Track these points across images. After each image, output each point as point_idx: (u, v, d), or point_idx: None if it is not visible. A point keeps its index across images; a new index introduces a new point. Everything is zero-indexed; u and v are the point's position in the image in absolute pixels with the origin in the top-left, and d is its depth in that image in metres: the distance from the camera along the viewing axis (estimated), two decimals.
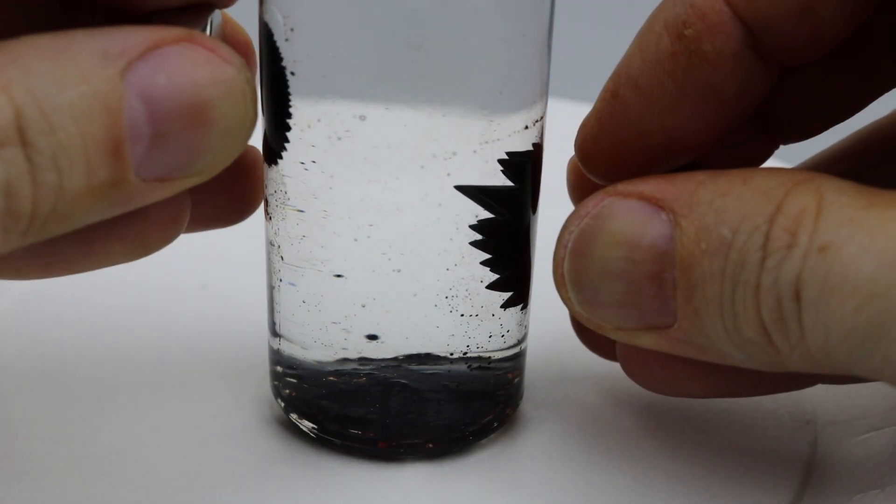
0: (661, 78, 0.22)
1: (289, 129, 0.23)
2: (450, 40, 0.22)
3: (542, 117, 0.24)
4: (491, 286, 0.24)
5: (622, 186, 0.22)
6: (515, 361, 0.26)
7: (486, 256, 0.24)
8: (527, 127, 0.23)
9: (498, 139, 0.23)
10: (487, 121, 0.22)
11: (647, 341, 0.22)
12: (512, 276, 0.24)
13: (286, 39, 0.22)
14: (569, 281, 0.23)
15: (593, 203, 0.22)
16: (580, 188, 0.25)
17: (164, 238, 0.23)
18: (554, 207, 0.31)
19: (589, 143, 0.23)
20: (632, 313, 0.22)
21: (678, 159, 0.23)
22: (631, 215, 0.22)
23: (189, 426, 0.27)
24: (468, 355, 0.25)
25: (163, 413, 0.27)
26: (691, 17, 0.21)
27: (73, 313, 0.31)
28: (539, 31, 0.23)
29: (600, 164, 0.23)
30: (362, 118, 0.22)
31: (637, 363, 0.25)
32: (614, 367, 0.29)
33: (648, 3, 0.23)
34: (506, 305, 0.24)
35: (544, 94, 0.24)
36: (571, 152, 0.25)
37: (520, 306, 0.25)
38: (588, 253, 0.22)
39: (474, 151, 0.23)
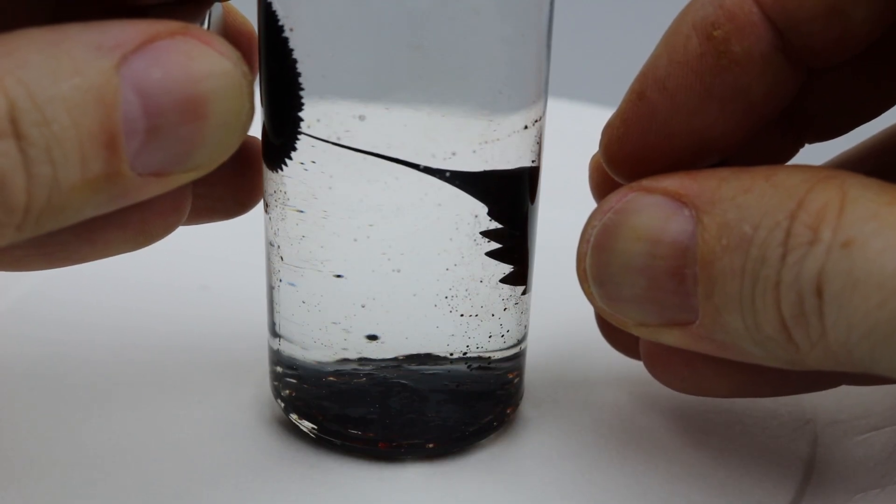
0: (688, 79, 0.22)
1: (300, 121, 0.23)
2: (450, 40, 0.22)
3: (541, 117, 0.24)
4: (491, 254, 0.24)
5: (646, 182, 0.22)
6: (515, 361, 0.26)
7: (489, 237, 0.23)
8: (526, 127, 0.23)
9: (497, 139, 0.23)
10: (487, 121, 0.22)
11: (669, 338, 0.22)
12: (510, 249, 0.24)
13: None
14: (591, 275, 0.23)
15: (617, 198, 0.22)
16: (603, 187, 0.25)
17: (166, 226, 0.23)
18: (554, 209, 0.31)
19: (614, 145, 0.23)
20: (653, 309, 0.22)
21: (705, 160, 0.23)
22: (654, 211, 0.22)
23: (189, 426, 0.27)
24: (468, 355, 0.25)
25: (163, 413, 0.27)
26: (720, 17, 0.21)
27: (72, 314, 0.31)
28: (539, 31, 0.23)
29: (626, 165, 0.23)
30: (362, 118, 0.22)
31: (660, 362, 0.25)
32: (614, 367, 0.29)
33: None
34: (505, 281, 0.24)
35: (544, 93, 0.24)
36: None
37: (521, 290, 0.25)
38: (610, 247, 0.22)
39: (474, 151, 0.23)
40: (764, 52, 0.21)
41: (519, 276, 0.25)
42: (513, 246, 0.24)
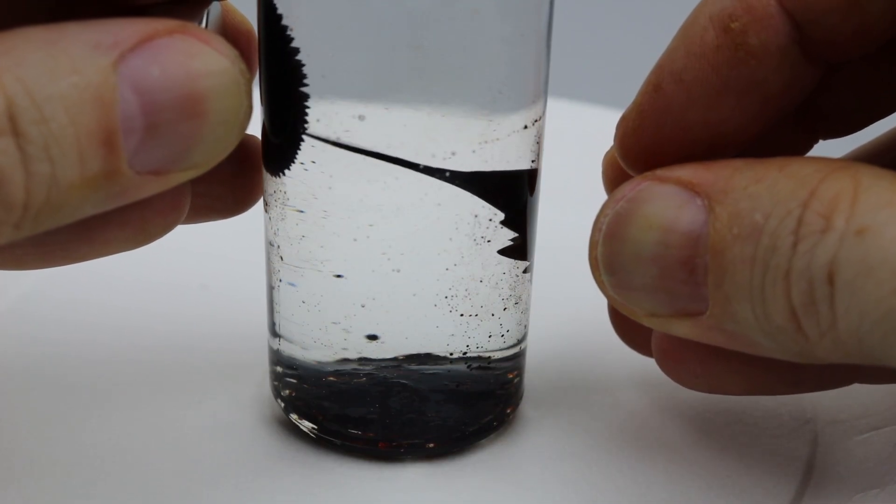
0: (705, 71, 0.22)
1: (303, 114, 0.22)
2: (450, 40, 0.22)
3: (541, 117, 0.24)
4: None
5: (660, 171, 0.22)
6: (515, 361, 0.26)
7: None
8: (526, 126, 0.23)
9: (497, 139, 0.23)
10: (487, 121, 0.22)
11: (680, 329, 0.22)
12: (512, 217, 0.24)
13: None
14: (602, 264, 0.23)
15: (630, 187, 0.22)
16: (617, 183, 0.25)
17: (165, 225, 0.23)
18: (554, 209, 0.31)
19: (629, 137, 0.23)
20: (664, 299, 0.22)
21: (719, 154, 0.23)
22: (667, 200, 0.21)
23: (189, 426, 0.27)
24: (468, 355, 0.25)
25: (163, 413, 0.27)
26: (738, 10, 0.21)
27: (72, 314, 0.31)
28: (538, 31, 0.23)
29: (641, 159, 0.23)
30: (362, 118, 0.22)
31: (673, 359, 0.25)
32: (614, 368, 0.29)
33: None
34: (504, 252, 0.24)
35: (543, 93, 0.24)
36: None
37: (522, 267, 0.25)
38: (622, 236, 0.22)
39: (474, 151, 0.23)
40: (781, 46, 0.21)
41: (519, 249, 0.25)
42: (512, 216, 0.24)
